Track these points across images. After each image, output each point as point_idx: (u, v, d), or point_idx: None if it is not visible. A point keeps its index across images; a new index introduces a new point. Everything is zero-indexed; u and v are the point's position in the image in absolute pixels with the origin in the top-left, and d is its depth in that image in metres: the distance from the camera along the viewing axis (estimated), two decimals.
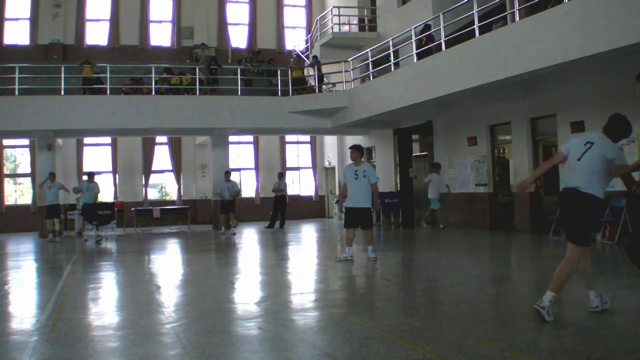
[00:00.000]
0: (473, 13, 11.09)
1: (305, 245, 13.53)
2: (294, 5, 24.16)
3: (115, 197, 20.60)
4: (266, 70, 20.13)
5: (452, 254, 10.97)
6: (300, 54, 20.07)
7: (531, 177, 5.36)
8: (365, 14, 20.23)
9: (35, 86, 15.95)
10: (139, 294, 7.31)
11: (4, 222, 19.34)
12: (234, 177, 17.74)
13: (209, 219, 19.39)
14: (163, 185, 22.37)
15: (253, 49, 22.26)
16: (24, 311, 6.34)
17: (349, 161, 22.50)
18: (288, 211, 19.08)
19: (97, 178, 15.79)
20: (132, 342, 4.76)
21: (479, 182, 14.75)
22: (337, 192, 22.31)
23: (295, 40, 23.34)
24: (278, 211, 18.28)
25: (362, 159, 9.52)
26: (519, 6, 10.06)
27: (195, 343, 4.64)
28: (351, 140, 21.38)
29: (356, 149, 9.43)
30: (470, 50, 11.04)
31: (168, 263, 10.94)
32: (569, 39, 8.52)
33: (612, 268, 8.62)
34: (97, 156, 21.11)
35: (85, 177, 16.03)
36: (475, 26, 10.96)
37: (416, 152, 18.23)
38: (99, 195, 15.45)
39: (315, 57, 18.86)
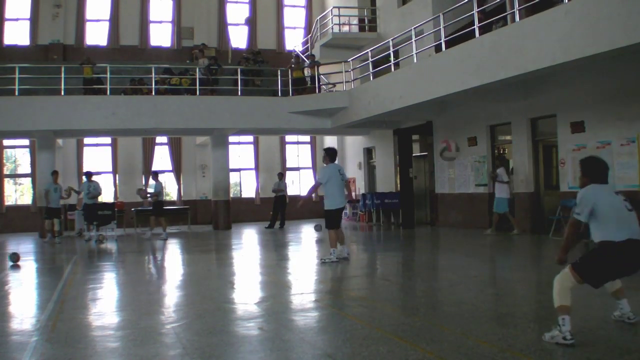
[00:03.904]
0: (473, 13, 11.09)
1: (305, 245, 13.53)
2: (294, 6, 24.16)
3: (116, 197, 20.60)
4: (264, 69, 20.13)
5: (452, 254, 10.97)
6: (300, 54, 20.08)
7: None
8: (365, 14, 20.23)
9: (35, 86, 15.94)
10: (139, 294, 7.32)
11: (4, 222, 19.34)
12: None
13: (209, 219, 19.40)
14: (163, 185, 22.34)
15: (253, 49, 22.26)
16: (24, 311, 6.34)
17: (349, 161, 22.58)
18: (288, 211, 19.07)
19: (97, 178, 15.87)
20: (132, 342, 4.77)
21: (479, 183, 14.75)
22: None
23: (295, 41, 23.35)
24: (278, 211, 18.31)
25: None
26: (519, 6, 10.06)
27: (195, 343, 4.64)
28: (351, 140, 21.44)
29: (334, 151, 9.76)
30: (470, 50, 11.04)
31: (168, 263, 10.94)
32: (569, 39, 8.52)
33: None
34: (97, 156, 21.09)
35: (84, 178, 16.04)
36: (475, 26, 10.96)
37: (416, 153, 18.23)
38: (100, 194, 15.50)
39: (312, 56, 18.89)
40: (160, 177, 16.71)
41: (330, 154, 9.65)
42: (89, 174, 15.48)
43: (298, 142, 23.59)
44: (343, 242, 9.56)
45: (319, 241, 14.04)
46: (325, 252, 10.08)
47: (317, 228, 15.51)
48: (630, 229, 4.44)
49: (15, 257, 10.27)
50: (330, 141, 22.99)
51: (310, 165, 23.43)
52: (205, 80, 17.44)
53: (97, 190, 15.11)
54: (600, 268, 4.43)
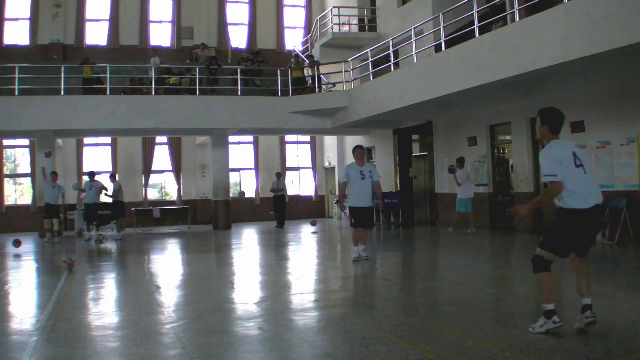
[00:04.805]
0: (473, 13, 11.09)
1: (305, 245, 13.53)
2: (294, 6, 24.15)
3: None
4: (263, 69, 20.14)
5: (452, 254, 10.98)
6: (300, 54, 20.09)
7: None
8: (365, 14, 20.23)
9: (35, 86, 15.92)
10: (139, 294, 7.32)
11: (4, 222, 19.34)
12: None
13: (209, 219, 19.41)
14: (163, 185, 22.37)
15: (253, 49, 22.26)
16: (24, 311, 6.34)
17: (349, 161, 22.54)
18: (288, 211, 19.11)
19: (97, 178, 15.90)
20: (132, 342, 4.76)
21: (479, 183, 14.75)
22: (337, 192, 22.33)
23: (295, 41, 23.35)
24: (279, 210, 18.46)
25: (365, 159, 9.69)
26: (519, 6, 10.06)
27: (195, 343, 4.64)
28: (351, 140, 21.39)
29: (362, 149, 9.60)
30: (470, 50, 11.03)
31: (168, 263, 10.94)
32: (569, 39, 8.52)
33: (612, 268, 8.63)
34: (97, 156, 21.09)
35: (87, 178, 16.06)
36: (475, 26, 10.96)
37: (416, 153, 18.23)
38: (103, 192, 15.52)
39: (311, 56, 18.90)
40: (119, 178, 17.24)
41: (354, 153, 9.58)
42: (92, 174, 15.56)
43: (298, 142, 23.59)
44: (362, 242, 9.48)
45: (319, 241, 14.06)
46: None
47: (313, 223, 16.15)
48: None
49: (17, 243, 11.11)
50: (330, 141, 23.01)
51: (310, 165, 23.43)
52: (159, 80, 17.16)
53: (97, 189, 15.16)
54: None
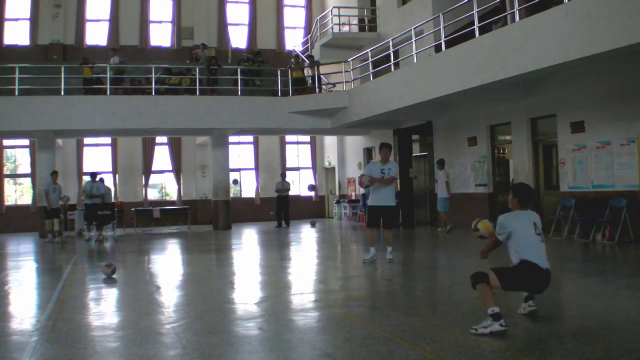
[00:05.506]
0: (473, 13, 11.09)
1: (305, 245, 13.53)
2: (294, 6, 24.16)
3: (115, 197, 20.57)
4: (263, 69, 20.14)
5: (452, 254, 10.98)
6: (300, 54, 20.09)
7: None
8: (365, 14, 20.24)
9: (35, 86, 15.92)
10: (139, 294, 7.32)
11: (4, 222, 19.34)
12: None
13: (209, 219, 19.41)
14: (163, 185, 22.37)
15: (253, 49, 22.26)
16: (24, 311, 6.34)
17: (349, 161, 22.60)
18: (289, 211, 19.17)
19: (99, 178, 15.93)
20: (132, 342, 4.76)
21: (479, 183, 14.76)
22: (337, 193, 22.38)
23: (295, 41, 23.36)
24: (282, 210, 18.51)
25: (390, 158, 9.33)
26: (519, 6, 10.06)
27: (195, 343, 4.64)
28: (351, 140, 21.43)
29: (388, 148, 9.23)
30: (470, 50, 11.04)
31: (168, 263, 10.93)
32: (569, 39, 8.53)
33: (612, 268, 8.63)
34: (97, 156, 21.11)
35: (88, 178, 16.04)
36: (475, 26, 10.96)
37: (416, 153, 18.23)
38: (105, 194, 15.47)
39: (311, 56, 18.91)
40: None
41: (380, 151, 9.23)
42: (93, 175, 15.57)
43: (298, 142, 23.60)
44: (388, 243, 9.26)
45: (319, 241, 14.06)
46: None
47: (312, 223, 16.65)
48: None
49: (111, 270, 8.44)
50: (330, 141, 23.02)
51: (310, 166, 23.44)
52: (118, 80, 16.91)
53: (99, 191, 15.14)
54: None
